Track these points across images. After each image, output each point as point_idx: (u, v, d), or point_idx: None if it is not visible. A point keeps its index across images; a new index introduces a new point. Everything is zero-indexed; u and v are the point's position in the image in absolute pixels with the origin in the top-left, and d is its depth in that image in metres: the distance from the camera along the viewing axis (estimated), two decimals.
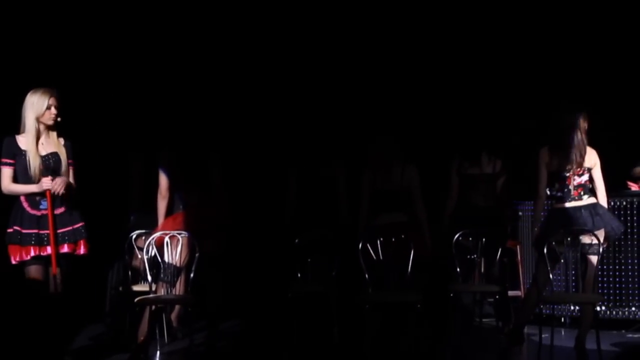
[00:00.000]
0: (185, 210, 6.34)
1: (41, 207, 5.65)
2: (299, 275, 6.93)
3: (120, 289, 7.02)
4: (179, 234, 6.13)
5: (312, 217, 7.16)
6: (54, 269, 5.58)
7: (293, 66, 8.69)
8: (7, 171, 5.61)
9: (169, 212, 6.42)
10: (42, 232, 5.62)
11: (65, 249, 5.66)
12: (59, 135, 5.75)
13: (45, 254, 5.61)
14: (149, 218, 6.80)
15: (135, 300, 5.92)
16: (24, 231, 5.58)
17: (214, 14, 8.40)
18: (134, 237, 6.85)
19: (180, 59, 8.37)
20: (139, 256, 6.74)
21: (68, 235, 5.67)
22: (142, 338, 6.07)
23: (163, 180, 6.34)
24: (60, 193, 5.56)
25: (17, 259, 5.59)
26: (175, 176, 6.31)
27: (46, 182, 5.56)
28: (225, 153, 6.50)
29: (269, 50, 8.63)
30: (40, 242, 5.61)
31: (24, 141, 5.64)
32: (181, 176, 6.30)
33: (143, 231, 6.81)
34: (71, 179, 5.72)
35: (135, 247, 6.84)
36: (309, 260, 7.29)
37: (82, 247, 5.72)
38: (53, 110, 5.65)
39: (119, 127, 6.14)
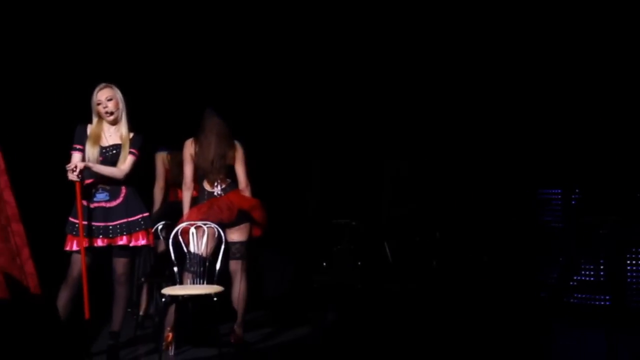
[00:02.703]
0: (209, 200, 6.33)
1: (94, 199, 5.72)
2: (323, 265, 6.85)
3: (143, 279, 7.03)
4: (204, 224, 6.14)
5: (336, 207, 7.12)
6: (83, 261, 5.61)
7: (319, 58, 8.67)
8: (77, 156, 5.73)
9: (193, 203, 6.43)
10: (93, 224, 5.68)
11: (123, 241, 5.72)
12: (130, 130, 5.81)
13: (96, 245, 5.69)
14: (174, 208, 6.82)
15: (162, 290, 5.93)
16: (76, 222, 5.65)
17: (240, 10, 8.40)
18: (159, 227, 6.86)
19: (205, 48, 8.37)
20: (164, 247, 6.74)
21: (124, 227, 5.72)
22: (169, 328, 6.10)
23: (188, 171, 6.35)
24: (75, 178, 5.58)
25: (68, 247, 5.72)
26: (199, 167, 6.31)
27: (70, 174, 5.60)
28: (250, 144, 6.48)
29: (292, 42, 8.62)
30: (91, 233, 5.66)
31: (90, 131, 5.78)
32: (205, 167, 6.30)
33: (168, 222, 6.82)
34: (122, 165, 5.74)
35: (160, 237, 6.85)
36: (334, 249, 7.33)
37: (140, 238, 5.75)
38: (103, 105, 5.73)
39: (145, 119, 6.15)
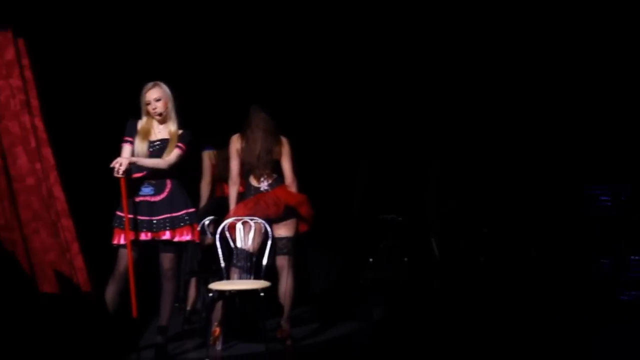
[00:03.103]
0: (256, 196, 6.34)
1: (140, 193, 5.76)
2: (370, 260, 6.83)
3: (189, 275, 7.07)
4: (251, 219, 6.16)
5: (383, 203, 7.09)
6: (129, 254, 5.66)
7: (366, 54, 8.66)
8: (127, 148, 5.79)
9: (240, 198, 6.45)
10: (139, 217, 5.73)
11: (166, 235, 5.75)
12: (179, 127, 5.85)
13: (141, 239, 5.74)
14: (220, 204, 6.85)
15: (209, 286, 5.96)
16: (123, 215, 5.71)
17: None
18: (206, 223, 6.89)
19: (253, 45, 8.39)
20: (211, 242, 6.77)
21: (167, 222, 5.76)
22: (216, 323, 6.13)
23: (234, 166, 6.37)
24: (119, 174, 5.63)
25: (115, 241, 5.77)
26: (246, 162, 6.33)
27: (117, 170, 5.64)
28: (297, 139, 6.48)
29: (339, 38, 8.60)
30: (135, 227, 5.71)
31: (140, 126, 5.84)
32: (252, 162, 6.31)
33: (215, 217, 6.85)
34: (168, 156, 5.77)
35: (207, 232, 6.88)
36: (380, 245, 7.31)
37: (185, 233, 5.78)
38: (152, 105, 5.79)
39: (192, 116, 6.20)
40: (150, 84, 5.84)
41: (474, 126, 8.95)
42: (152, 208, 5.77)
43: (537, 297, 7.57)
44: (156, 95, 5.81)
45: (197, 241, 6.05)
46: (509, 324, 6.77)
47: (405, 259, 7.58)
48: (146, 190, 5.79)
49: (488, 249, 8.66)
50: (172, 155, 5.77)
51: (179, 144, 5.80)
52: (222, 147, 6.84)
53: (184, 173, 5.97)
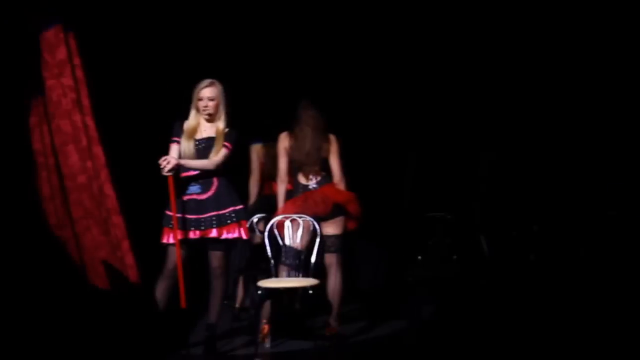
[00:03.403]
0: (304, 194, 6.34)
1: (187, 191, 5.81)
2: (418, 258, 6.80)
3: (238, 272, 7.09)
4: (300, 217, 6.16)
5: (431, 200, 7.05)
6: (178, 253, 5.70)
7: (413, 50, 8.62)
8: (175, 148, 5.85)
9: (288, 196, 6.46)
10: (187, 216, 5.76)
11: (214, 233, 5.79)
12: (228, 125, 5.88)
13: (189, 237, 5.79)
14: (269, 202, 6.87)
15: (257, 283, 5.98)
16: (171, 215, 5.75)
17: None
18: (254, 220, 6.91)
19: (303, 41, 8.39)
20: (260, 240, 6.79)
21: (214, 220, 5.79)
22: (264, 320, 6.14)
23: (282, 164, 6.37)
24: (165, 172, 5.66)
25: (164, 240, 5.81)
26: (295, 160, 6.33)
27: (165, 168, 5.69)
28: (345, 137, 6.47)
29: (387, 34, 8.58)
30: (184, 226, 5.74)
31: (186, 126, 5.89)
32: (301, 159, 6.31)
33: (263, 215, 6.87)
34: (215, 156, 5.80)
35: (256, 230, 6.91)
36: (429, 243, 7.27)
37: (232, 231, 5.81)
38: (204, 102, 5.81)
39: (241, 110, 6.25)
40: (206, 82, 5.85)
41: (524, 122, 8.87)
42: (199, 206, 5.80)
43: (587, 297, 7.48)
44: (210, 95, 5.82)
45: (246, 238, 6.08)
46: (558, 324, 6.70)
47: (454, 257, 7.53)
48: (193, 188, 5.82)
49: (538, 246, 8.57)
50: (219, 155, 5.79)
51: (226, 143, 5.82)
52: (270, 141, 6.85)
53: (232, 171, 5.99)
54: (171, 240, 5.77)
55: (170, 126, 5.92)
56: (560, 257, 8.36)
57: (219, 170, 5.83)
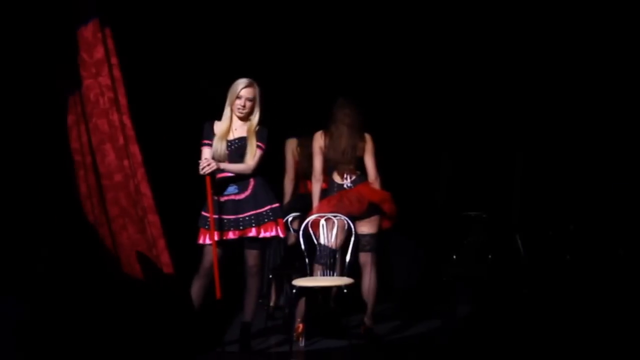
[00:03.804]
0: (339, 193, 6.34)
1: (224, 192, 5.84)
2: (454, 257, 6.77)
3: (271, 274, 7.11)
4: (334, 216, 6.17)
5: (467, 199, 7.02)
6: (215, 255, 5.72)
7: (448, 49, 8.59)
8: (207, 151, 5.86)
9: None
10: (224, 217, 5.79)
11: (252, 232, 5.82)
12: (259, 124, 5.90)
13: (227, 238, 5.80)
14: (304, 201, 6.88)
15: (292, 282, 5.99)
16: (208, 216, 5.79)
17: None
18: (289, 219, 6.93)
19: (339, 39, 8.39)
20: (294, 239, 6.80)
21: (253, 219, 5.81)
22: (299, 319, 6.16)
23: (317, 163, 6.38)
24: (204, 173, 5.69)
25: (200, 241, 5.85)
26: (330, 159, 6.33)
27: (203, 168, 5.72)
28: (379, 135, 6.47)
29: (423, 34, 8.55)
30: (222, 226, 5.77)
31: (219, 126, 5.89)
32: (336, 158, 6.31)
33: (298, 214, 6.88)
34: (251, 161, 5.82)
35: (291, 229, 6.92)
36: (464, 242, 7.23)
37: (270, 229, 5.84)
38: (241, 102, 5.81)
39: (277, 105, 6.29)
40: (245, 81, 5.85)
41: (560, 120, 8.80)
42: (237, 206, 5.82)
43: (624, 298, 7.41)
44: (249, 95, 5.84)
45: (283, 236, 6.09)
46: (594, 325, 6.64)
47: (490, 256, 7.48)
48: (230, 189, 5.84)
49: (574, 246, 8.50)
50: (255, 158, 5.82)
51: (259, 144, 5.84)
52: (305, 135, 6.85)
53: (266, 169, 6.01)
54: (207, 241, 5.80)
55: (202, 126, 5.95)
56: (597, 257, 8.28)
57: (255, 172, 5.86)
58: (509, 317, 7.07)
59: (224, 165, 5.78)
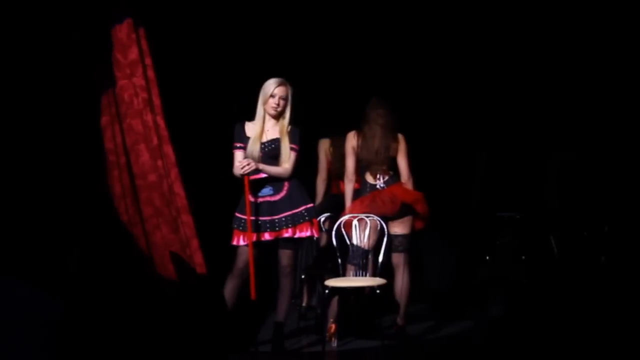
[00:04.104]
0: (372, 193, 6.33)
1: (259, 194, 5.84)
2: (487, 258, 6.73)
3: (303, 275, 7.11)
4: (367, 216, 6.16)
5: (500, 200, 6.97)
6: (250, 255, 5.74)
7: (483, 48, 8.55)
8: (239, 154, 5.87)
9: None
10: (259, 218, 5.81)
11: (288, 233, 5.83)
12: (290, 124, 5.91)
13: (263, 239, 5.82)
14: (336, 201, 6.88)
15: (324, 282, 5.99)
16: (243, 217, 5.80)
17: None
18: (322, 219, 6.93)
19: (372, 39, 8.38)
20: (326, 239, 6.80)
21: (289, 220, 5.82)
22: (331, 319, 6.16)
23: (349, 163, 6.37)
24: (243, 174, 5.70)
25: (234, 242, 5.86)
26: (363, 159, 6.32)
27: (237, 168, 5.74)
28: (412, 136, 6.45)
29: (457, 33, 8.52)
30: (257, 228, 5.79)
31: (251, 127, 5.90)
32: (369, 158, 6.30)
33: (330, 214, 6.88)
34: (287, 164, 5.85)
35: (323, 229, 6.92)
36: (498, 243, 7.20)
37: (304, 229, 5.85)
38: (275, 100, 5.81)
39: (310, 105, 6.31)
40: (278, 80, 5.85)
41: (597, 121, 8.73)
42: (272, 208, 5.83)
43: None
44: (283, 94, 5.84)
45: (317, 236, 6.10)
46: (629, 327, 6.58)
47: (523, 257, 7.43)
48: (265, 190, 5.85)
49: (609, 247, 8.43)
50: (291, 162, 5.84)
51: (293, 146, 5.85)
52: (338, 135, 6.85)
53: (300, 169, 6.02)
54: (242, 242, 5.81)
55: (233, 127, 5.96)
56: (632, 258, 8.20)
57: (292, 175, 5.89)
58: (542, 319, 7.01)
59: (263, 166, 5.79)
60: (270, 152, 5.84)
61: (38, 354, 4.81)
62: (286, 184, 5.86)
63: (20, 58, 5.74)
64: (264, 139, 5.87)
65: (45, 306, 4.91)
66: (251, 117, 5.94)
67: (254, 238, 5.77)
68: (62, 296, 5.12)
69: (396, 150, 6.31)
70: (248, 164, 5.69)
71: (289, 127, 5.89)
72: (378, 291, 5.82)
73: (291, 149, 5.86)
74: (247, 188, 5.76)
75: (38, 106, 5.80)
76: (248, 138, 5.87)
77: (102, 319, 5.36)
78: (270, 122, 5.91)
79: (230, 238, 5.89)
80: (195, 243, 6.10)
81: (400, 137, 6.33)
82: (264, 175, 5.84)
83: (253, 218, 5.78)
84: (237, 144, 5.90)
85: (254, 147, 5.83)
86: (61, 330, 4.94)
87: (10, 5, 5.67)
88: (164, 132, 6.19)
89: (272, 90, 5.82)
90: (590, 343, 6.10)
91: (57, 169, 5.81)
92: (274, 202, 5.84)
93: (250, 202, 5.79)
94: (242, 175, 5.74)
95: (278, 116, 5.88)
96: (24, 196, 5.60)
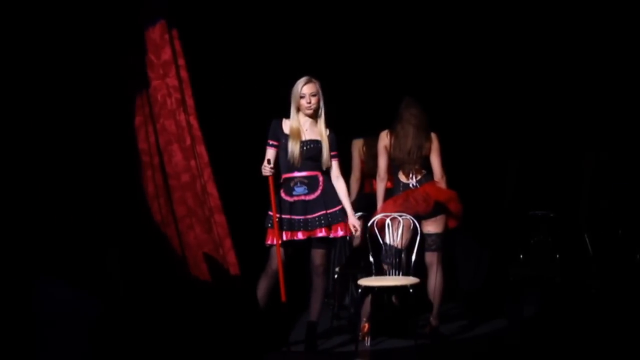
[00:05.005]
0: (405, 192, 6.32)
1: (294, 193, 5.86)
2: (520, 257, 6.70)
3: (337, 270, 7.11)
4: (400, 215, 6.15)
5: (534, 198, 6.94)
6: (278, 253, 5.75)
7: (515, 49, 8.51)
8: (270, 152, 5.89)
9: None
10: (294, 217, 5.82)
11: (322, 232, 5.83)
12: (326, 127, 5.93)
13: (297, 238, 5.83)
14: (369, 200, 6.87)
15: (358, 282, 5.99)
16: (277, 216, 5.81)
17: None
18: None
19: (406, 39, 8.36)
20: (360, 238, 6.79)
21: (322, 219, 5.84)
22: (365, 319, 6.15)
23: (382, 162, 6.36)
24: (267, 174, 5.73)
25: (269, 242, 5.87)
26: (396, 158, 6.31)
27: (264, 169, 5.76)
28: (446, 134, 6.43)
29: (491, 35, 8.48)
30: (291, 227, 5.80)
31: (288, 125, 5.90)
32: (402, 157, 6.29)
33: (364, 213, 6.87)
34: (335, 171, 5.92)
35: None
36: (532, 242, 7.15)
37: (339, 229, 5.87)
38: (306, 99, 5.83)
39: (343, 105, 6.31)
40: (305, 78, 5.87)
41: (629, 119, 8.65)
42: (307, 207, 5.84)
43: None
44: (312, 91, 5.85)
45: (350, 236, 6.11)
46: None
47: (557, 256, 7.38)
48: (300, 189, 5.86)
49: None
50: (339, 171, 5.95)
51: (333, 153, 5.91)
52: (371, 135, 6.85)
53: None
54: (274, 242, 5.83)
55: (270, 125, 5.97)
56: None
57: (324, 170, 5.88)
58: (576, 318, 6.97)
59: (347, 206, 5.93)
60: (309, 152, 5.86)
61: (76, 350, 4.87)
62: (321, 183, 5.87)
63: (56, 60, 5.80)
64: (304, 138, 5.88)
65: (84, 305, 4.97)
66: (287, 114, 5.95)
67: (288, 237, 5.78)
68: (100, 295, 5.17)
69: (429, 150, 6.29)
70: (271, 168, 5.73)
71: (327, 131, 5.90)
72: (411, 290, 5.81)
73: (332, 156, 5.91)
74: (271, 187, 5.76)
75: (73, 108, 5.86)
76: (286, 135, 5.88)
77: (138, 318, 5.40)
78: (308, 121, 5.92)
79: (264, 237, 5.90)
80: (228, 243, 6.12)
81: (434, 136, 6.31)
82: (297, 174, 5.85)
83: (287, 217, 5.79)
84: (271, 141, 5.91)
85: (294, 148, 5.84)
86: (99, 328, 4.99)
87: (46, 8, 5.73)
88: (197, 132, 6.23)
89: (300, 90, 5.84)
90: (624, 342, 6.06)
91: (93, 170, 5.86)
92: (309, 201, 5.85)
93: (285, 201, 5.81)
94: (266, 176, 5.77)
95: (314, 114, 5.89)
96: (64, 198, 5.66)
